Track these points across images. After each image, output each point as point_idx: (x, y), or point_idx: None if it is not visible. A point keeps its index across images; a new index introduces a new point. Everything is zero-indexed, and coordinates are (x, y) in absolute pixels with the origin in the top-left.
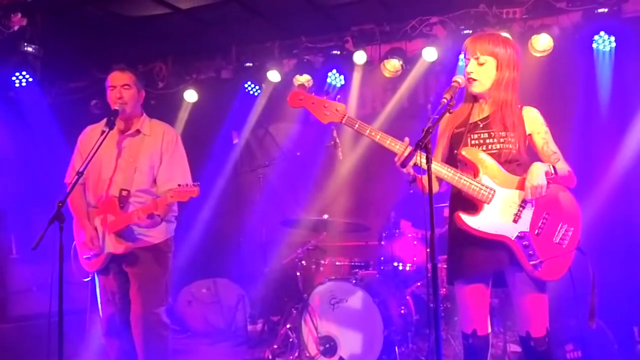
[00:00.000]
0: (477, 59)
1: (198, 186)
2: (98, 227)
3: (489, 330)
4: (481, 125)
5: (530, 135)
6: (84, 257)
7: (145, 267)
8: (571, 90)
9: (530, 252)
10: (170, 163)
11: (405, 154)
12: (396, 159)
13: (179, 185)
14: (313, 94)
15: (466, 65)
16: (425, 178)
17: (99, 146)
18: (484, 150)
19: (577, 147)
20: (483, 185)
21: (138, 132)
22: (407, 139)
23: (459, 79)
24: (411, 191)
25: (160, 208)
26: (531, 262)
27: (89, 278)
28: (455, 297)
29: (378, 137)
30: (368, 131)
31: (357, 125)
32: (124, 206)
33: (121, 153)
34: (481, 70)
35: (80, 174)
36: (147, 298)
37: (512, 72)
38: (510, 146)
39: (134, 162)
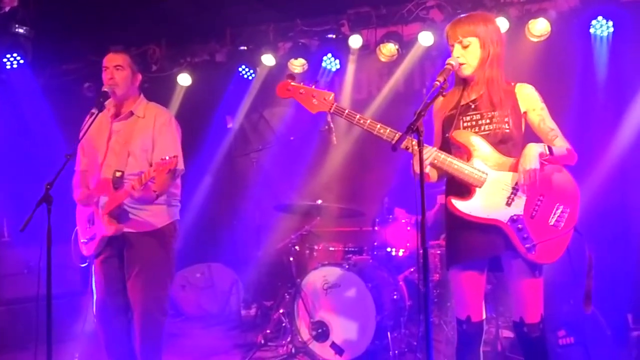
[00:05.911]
0: (460, 42)
1: (177, 157)
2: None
3: (484, 316)
4: (472, 107)
5: (525, 112)
6: (82, 240)
7: (148, 252)
8: (568, 75)
9: (524, 236)
10: (162, 144)
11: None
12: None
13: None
14: (302, 83)
15: (451, 52)
16: (429, 169)
17: (88, 127)
18: (477, 132)
19: (574, 132)
20: (475, 169)
21: (131, 114)
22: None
23: (452, 61)
24: None
25: (145, 180)
26: (525, 245)
27: (87, 264)
28: (448, 283)
29: (367, 123)
30: (357, 118)
31: (345, 113)
32: (118, 188)
33: (115, 137)
34: (467, 53)
35: (68, 156)
36: (148, 284)
37: (496, 48)
38: (503, 125)
39: (127, 146)
